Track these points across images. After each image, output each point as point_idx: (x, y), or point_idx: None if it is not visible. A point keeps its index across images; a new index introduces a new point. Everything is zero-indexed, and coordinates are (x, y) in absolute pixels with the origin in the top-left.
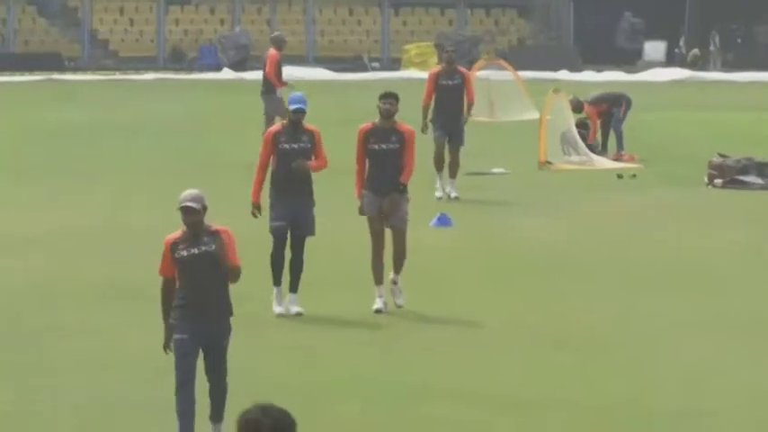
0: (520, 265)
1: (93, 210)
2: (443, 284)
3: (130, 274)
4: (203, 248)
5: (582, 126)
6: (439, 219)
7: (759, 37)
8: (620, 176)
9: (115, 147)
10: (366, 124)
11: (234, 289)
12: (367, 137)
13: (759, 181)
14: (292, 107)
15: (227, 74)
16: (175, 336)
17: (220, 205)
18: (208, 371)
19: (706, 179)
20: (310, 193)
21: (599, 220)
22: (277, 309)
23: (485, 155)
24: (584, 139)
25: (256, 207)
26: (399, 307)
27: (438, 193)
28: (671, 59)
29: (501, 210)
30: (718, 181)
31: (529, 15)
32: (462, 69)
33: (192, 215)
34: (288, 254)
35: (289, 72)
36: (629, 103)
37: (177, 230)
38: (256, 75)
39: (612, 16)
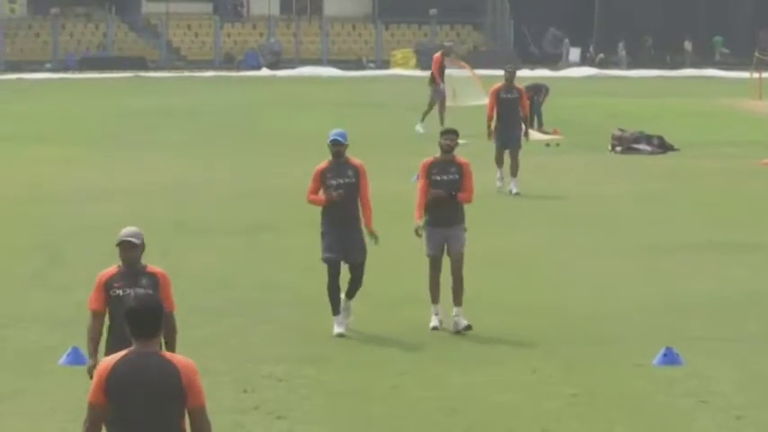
0: (477, 205)
1: (164, 168)
2: None
3: (192, 214)
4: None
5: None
6: (419, 175)
7: (646, 45)
8: (547, 145)
9: (182, 123)
10: (428, 159)
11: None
12: (430, 169)
13: (648, 148)
14: (329, 139)
15: (264, 72)
16: None
17: (262, 159)
18: None
19: (609, 147)
20: (359, 219)
21: (533, 175)
22: (337, 329)
23: None
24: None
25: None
26: (467, 328)
27: (498, 183)
28: (583, 61)
29: None
30: (618, 148)
31: (481, 29)
32: (518, 86)
33: (131, 250)
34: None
35: (309, 71)
36: (547, 91)
37: (112, 267)
38: (287, 73)
39: (541, 29)
